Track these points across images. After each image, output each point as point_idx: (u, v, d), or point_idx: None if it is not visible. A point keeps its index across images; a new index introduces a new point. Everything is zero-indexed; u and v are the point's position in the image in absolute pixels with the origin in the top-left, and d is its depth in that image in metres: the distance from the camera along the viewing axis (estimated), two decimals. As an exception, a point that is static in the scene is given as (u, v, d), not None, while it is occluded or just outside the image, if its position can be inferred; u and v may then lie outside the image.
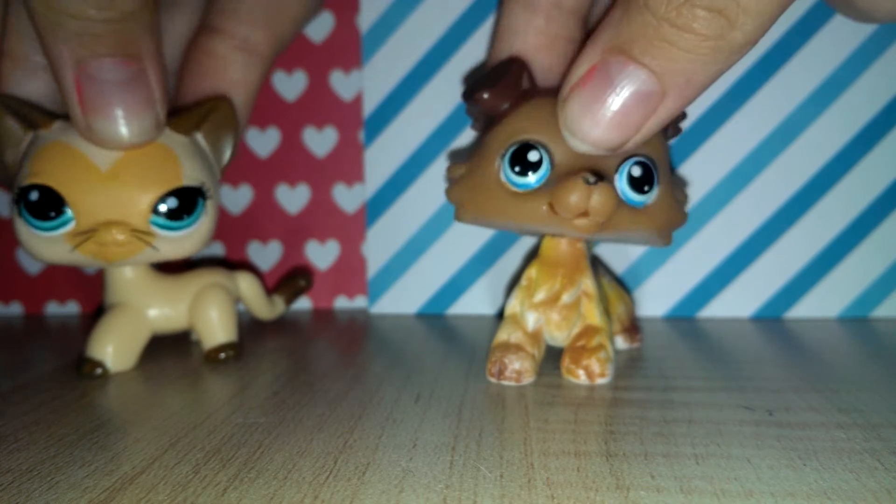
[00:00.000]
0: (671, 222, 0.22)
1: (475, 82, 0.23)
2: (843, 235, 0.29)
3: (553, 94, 0.22)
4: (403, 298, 0.32)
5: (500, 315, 0.24)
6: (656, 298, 0.31)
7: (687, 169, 0.30)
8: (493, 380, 0.22)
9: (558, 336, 0.23)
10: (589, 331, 0.23)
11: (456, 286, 0.31)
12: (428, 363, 0.24)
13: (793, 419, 0.19)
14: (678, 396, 0.21)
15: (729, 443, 0.17)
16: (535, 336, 0.23)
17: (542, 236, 0.24)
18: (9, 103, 0.22)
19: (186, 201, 0.22)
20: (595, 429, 0.18)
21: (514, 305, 0.23)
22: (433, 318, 0.31)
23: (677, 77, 0.18)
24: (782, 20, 0.28)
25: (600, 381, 0.22)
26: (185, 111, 0.23)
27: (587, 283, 0.23)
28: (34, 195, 0.21)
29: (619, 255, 0.30)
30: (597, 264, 0.26)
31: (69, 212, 0.21)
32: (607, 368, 0.22)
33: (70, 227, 0.22)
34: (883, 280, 0.30)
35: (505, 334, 0.23)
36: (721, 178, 0.30)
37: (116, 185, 0.22)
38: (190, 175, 0.23)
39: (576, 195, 0.19)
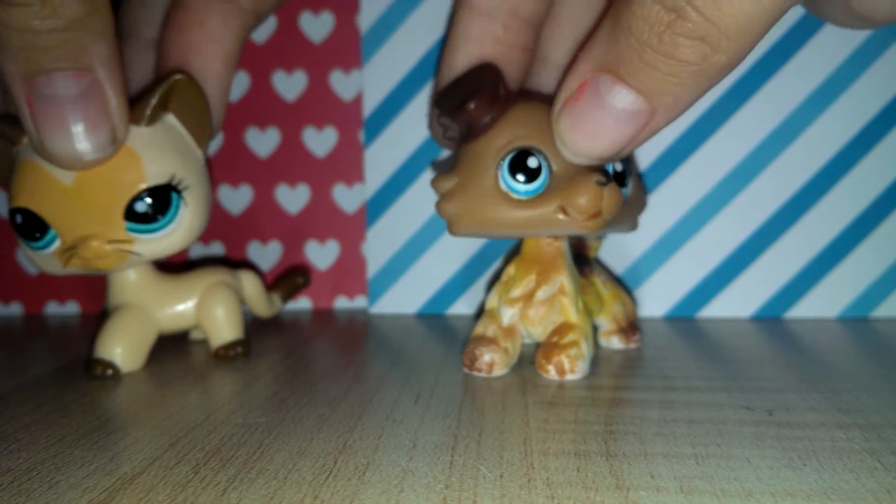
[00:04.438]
0: (640, 210, 0.25)
1: (452, 92, 0.22)
2: (842, 235, 0.29)
3: (538, 99, 0.22)
4: (403, 298, 0.32)
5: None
6: (656, 298, 0.31)
7: (687, 169, 0.30)
8: (465, 370, 0.23)
9: (534, 332, 0.23)
10: (564, 328, 0.23)
11: (456, 286, 0.31)
12: (428, 363, 0.24)
13: (793, 419, 0.19)
14: (678, 396, 0.21)
15: (729, 443, 0.17)
16: (510, 331, 0.23)
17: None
18: None
19: (157, 201, 0.22)
20: (595, 429, 0.18)
21: (492, 300, 0.24)
22: (433, 318, 0.31)
23: (665, 97, 0.18)
24: (781, 22, 0.28)
25: (570, 377, 0.22)
26: (142, 97, 0.22)
27: (563, 280, 0.23)
28: (19, 218, 0.22)
29: (620, 255, 0.30)
30: (593, 264, 0.27)
31: (51, 231, 0.22)
32: (577, 365, 0.22)
33: (56, 244, 0.22)
34: (883, 280, 0.30)
35: (482, 327, 0.24)
36: (721, 179, 0.30)
37: (83, 198, 0.21)
38: (155, 172, 0.22)
39: (589, 197, 0.20)
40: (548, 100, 0.21)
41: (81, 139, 0.20)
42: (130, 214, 0.22)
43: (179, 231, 0.23)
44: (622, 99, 0.18)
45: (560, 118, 0.20)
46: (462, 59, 0.24)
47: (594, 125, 0.19)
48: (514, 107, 0.22)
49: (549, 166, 0.21)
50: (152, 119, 0.22)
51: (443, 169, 0.24)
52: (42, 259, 0.22)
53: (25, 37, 0.18)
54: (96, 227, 0.21)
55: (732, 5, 0.16)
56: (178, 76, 0.22)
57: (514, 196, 0.21)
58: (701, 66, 0.17)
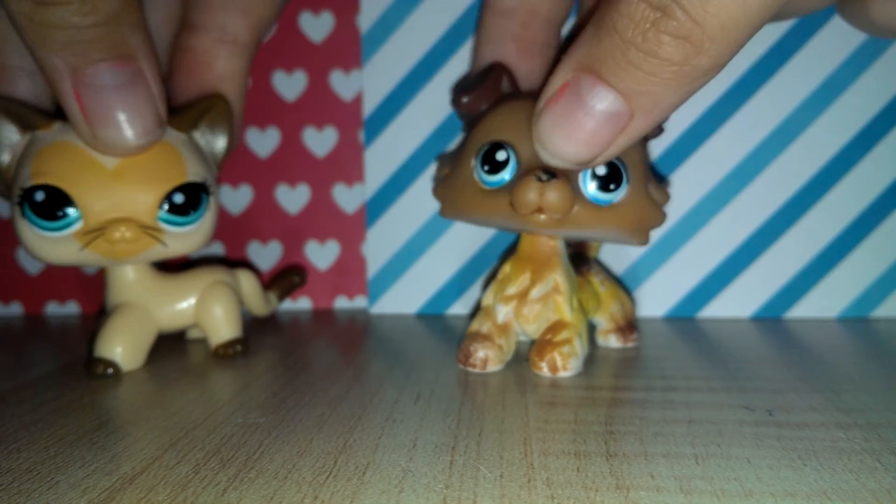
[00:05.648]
0: (644, 221, 0.23)
1: (458, 86, 0.24)
2: (842, 236, 0.29)
3: (527, 97, 0.23)
4: (403, 298, 0.32)
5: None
6: (656, 298, 0.31)
7: (688, 169, 0.30)
8: (460, 366, 0.24)
9: (529, 330, 0.24)
10: (558, 326, 0.23)
11: (456, 286, 0.31)
12: (428, 363, 0.24)
13: (793, 419, 0.19)
14: (678, 396, 0.21)
15: (729, 443, 0.17)
16: (504, 328, 0.24)
17: (520, 233, 0.24)
18: (5, 105, 0.22)
19: (192, 197, 0.23)
20: (595, 429, 0.18)
21: (488, 298, 0.24)
22: (433, 318, 0.31)
23: (644, 99, 0.18)
24: (782, 22, 0.28)
25: (562, 374, 0.23)
26: (182, 109, 0.24)
27: (557, 279, 0.23)
28: (40, 196, 0.21)
29: (620, 256, 0.30)
30: (592, 263, 0.27)
31: (76, 211, 0.22)
32: (569, 363, 0.23)
33: (78, 226, 0.22)
34: (883, 280, 0.30)
35: (477, 324, 0.24)
36: (721, 179, 0.30)
37: (123, 182, 0.22)
38: (194, 171, 0.23)
39: (529, 192, 0.20)
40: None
41: (130, 125, 0.21)
42: (166, 205, 0.22)
43: (200, 231, 0.24)
44: (602, 99, 0.18)
45: (540, 119, 0.20)
46: (485, 58, 0.25)
47: (573, 126, 0.19)
48: (504, 102, 0.23)
49: (519, 161, 0.22)
50: (187, 128, 0.23)
51: (447, 158, 0.25)
52: (51, 243, 0.22)
53: (68, 33, 0.19)
54: (129, 212, 0.22)
55: (718, 7, 0.16)
56: (219, 98, 0.24)
57: (482, 186, 0.22)
58: (683, 66, 0.17)
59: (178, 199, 0.22)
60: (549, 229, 0.22)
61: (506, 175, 0.22)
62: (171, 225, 0.23)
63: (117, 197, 0.22)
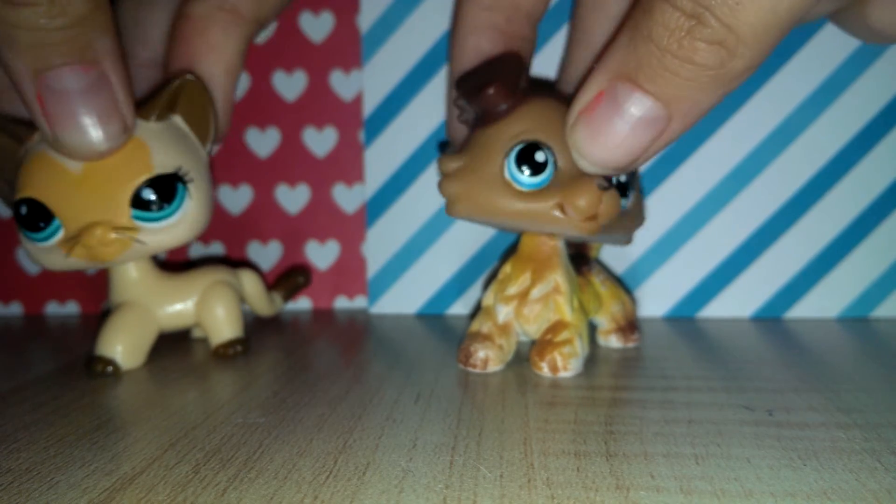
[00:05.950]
0: (637, 224, 0.24)
1: (474, 76, 0.23)
2: (842, 236, 0.29)
3: (556, 96, 0.23)
4: (403, 298, 0.32)
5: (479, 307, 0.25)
6: (656, 298, 0.31)
7: (687, 169, 0.30)
8: (460, 366, 0.24)
9: (529, 330, 0.24)
10: (558, 326, 0.23)
11: (456, 286, 0.31)
12: (428, 363, 0.24)
13: (793, 419, 0.19)
14: (678, 396, 0.21)
15: (729, 443, 0.17)
16: (505, 328, 0.24)
17: (521, 233, 0.24)
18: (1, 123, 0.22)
19: (163, 190, 0.22)
20: (595, 429, 0.18)
21: (488, 298, 0.24)
22: (433, 318, 0.31)
23: (682, 103, 0.18)
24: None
25: (563, 374, 0.23)
26: (153, 96, 0.23)
27: (558, 279, 0.23)
28: (24, 209, 0.22)
29: (620, 256, 0.30)
30: (593, 263, 0.27)
31: (56, 220, 0.22)
32: (570, 363, 0.23)
33: (61, 234, 0.22)
34: (883, 280, 0.30)
35: (477, 324, 0.24)
36: (721, 179, 0.30)
37: (91, 186, 0.22)
38: (162, 162, 0.22)
39: (589, 198, 0.20)
40: (565, 98, 0.21)
41: (93, 130, 0.21)
42: (137, 202, 0.22)
43: (183, 223, 0.23)
44: (640, 105, 0.19)
45: (576, 129, 0.20)
46: (471, 51, 0.25)
47: (611, 134, 0.19)
48: (531, 100, 0.22)
49: (556, 163, 0.21)
50: (161, 116, 0.23)
51: (448, 150, 0.25)
52: (43, 252, 0.22)
53: (34, 35, 0.19)
54: (102, 215, 0.22)
55: (749, 13, 0.16)
56: (188, 76, 0.23)
57: (517, 187, 0.22)
58: (718, 70, 0.17)
59: (148, 194, 0.22)
60: (591, 234, 0.22)
61: (544, 178, 0.21)
62: (146, 221, 0.22)
63: (87, 201, 0.22)
